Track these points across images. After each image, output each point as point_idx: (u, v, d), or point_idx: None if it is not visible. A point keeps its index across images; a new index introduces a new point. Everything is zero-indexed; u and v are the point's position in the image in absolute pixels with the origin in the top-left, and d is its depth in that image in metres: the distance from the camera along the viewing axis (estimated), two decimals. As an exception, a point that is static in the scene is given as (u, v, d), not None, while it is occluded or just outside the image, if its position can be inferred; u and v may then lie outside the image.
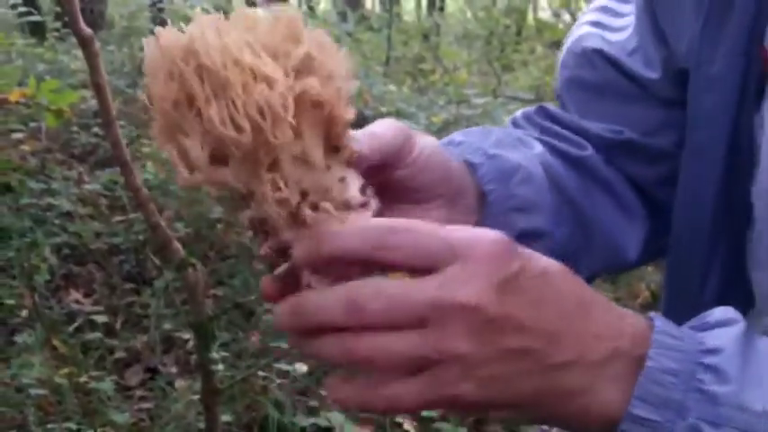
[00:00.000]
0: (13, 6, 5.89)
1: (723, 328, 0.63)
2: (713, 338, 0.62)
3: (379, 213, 0.63)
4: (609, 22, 0.96)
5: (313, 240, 0.60)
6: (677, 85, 0.88)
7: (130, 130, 4.34)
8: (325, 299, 0.59)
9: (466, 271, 0.57)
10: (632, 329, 0.62)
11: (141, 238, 3.40)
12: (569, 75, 0.97)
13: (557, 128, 0.93)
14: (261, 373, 2.59)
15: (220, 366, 2.44)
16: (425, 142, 0.73)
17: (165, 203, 3.59)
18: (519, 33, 8.84)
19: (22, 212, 3.48)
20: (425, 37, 8.79)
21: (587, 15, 0.99)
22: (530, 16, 9.18)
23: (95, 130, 4.31)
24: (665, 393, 0.60)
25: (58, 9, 5.88)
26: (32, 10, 5.50)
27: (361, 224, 0.61)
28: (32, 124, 4.32)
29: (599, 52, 0.94)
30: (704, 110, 0.82)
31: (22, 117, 4.35)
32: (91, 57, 1.94)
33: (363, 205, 0.63)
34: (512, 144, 0.87)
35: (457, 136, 0.85)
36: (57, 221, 3.50)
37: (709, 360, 0.61)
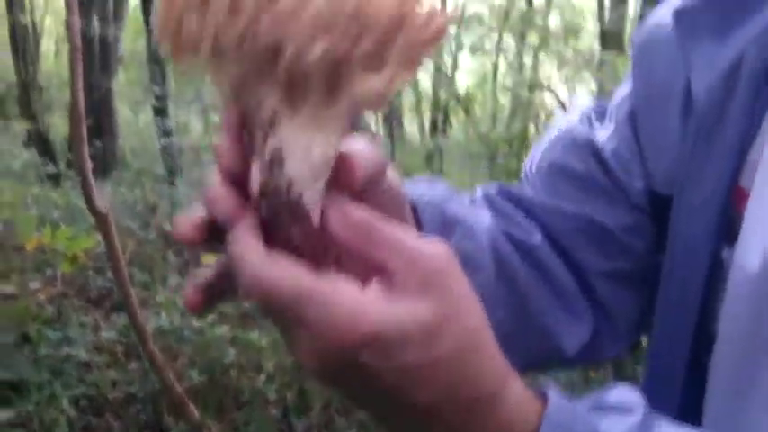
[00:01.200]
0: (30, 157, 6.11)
1: (619, 415, 0.54)
2: (607, 425, 0.53)
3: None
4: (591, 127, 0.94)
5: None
6: (651, 203, 0.87)
7: (144, 275, 4.43)
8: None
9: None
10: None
11: (157, 386, 3.44)
12: (555, 159, 0.91)
13: (512, 212, 0.88)
14: None
15: None
16: (394, 175, 0.61)
17: (178, 349, 3.65)
18: (521, 149, 9.02)
19: (39, 363, 3.53)
20: (429, 159, 9.01)
21: (573, 114, 0.96)
22: (532, 129, 9.37)
23: (110, 275, 4.39)
24: None
25: (70, 156, 6.07)
26: (48, 161, 5.69)
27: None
28: (48, 270, 4.42)
29: (590, 145, 0.90)
30: (684, 239, 0.79)
31: (37, 263, 4.46)
32: (108, 236, 2.05)
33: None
34: (460, 201, 0.83)
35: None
36: (74, 372, 3.55)
37: None
